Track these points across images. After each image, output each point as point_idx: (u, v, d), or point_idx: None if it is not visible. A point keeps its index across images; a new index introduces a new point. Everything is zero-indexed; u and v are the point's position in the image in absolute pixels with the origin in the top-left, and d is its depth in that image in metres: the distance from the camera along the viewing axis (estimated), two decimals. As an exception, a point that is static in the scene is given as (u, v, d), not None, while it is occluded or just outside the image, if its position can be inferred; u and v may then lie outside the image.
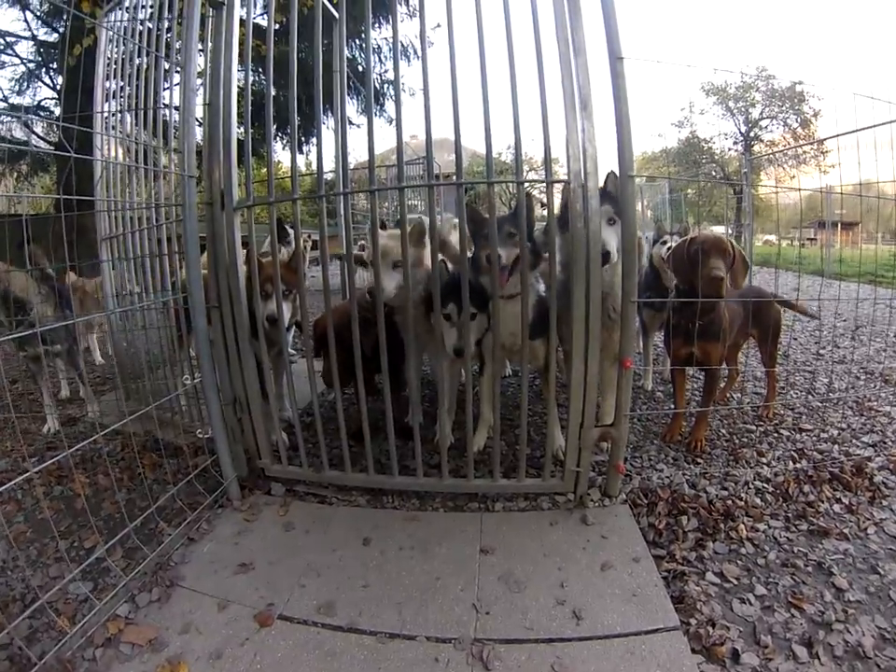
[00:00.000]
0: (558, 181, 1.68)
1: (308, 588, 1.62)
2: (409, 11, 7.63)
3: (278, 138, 8.05)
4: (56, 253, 2.41)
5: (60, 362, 2.92)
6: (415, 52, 8.05)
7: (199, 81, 2.04)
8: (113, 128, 2.62)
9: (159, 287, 2.35)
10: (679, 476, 2.08)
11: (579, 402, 1.81)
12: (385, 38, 8.54)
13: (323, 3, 2.09)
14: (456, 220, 2.04)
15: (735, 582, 1.57)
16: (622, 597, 1.53)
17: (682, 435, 2.41)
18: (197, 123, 2.01)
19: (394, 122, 1.77)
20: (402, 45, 8.08)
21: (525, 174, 1.73)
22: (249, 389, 1.97)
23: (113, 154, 2.62)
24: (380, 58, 8.51)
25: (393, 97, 8.41)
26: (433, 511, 1.96)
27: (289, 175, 1.91)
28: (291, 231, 2.67)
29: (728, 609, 1.48)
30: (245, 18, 1.85)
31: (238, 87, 1.90)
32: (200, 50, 1.96)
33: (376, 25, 7.74)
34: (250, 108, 1.90)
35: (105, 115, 2.61)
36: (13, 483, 1.54)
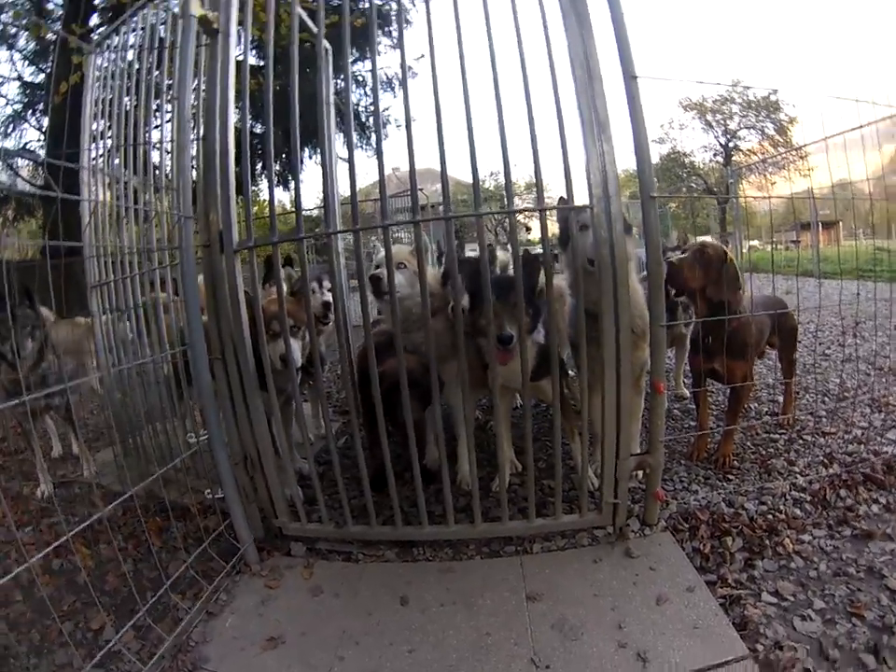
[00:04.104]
0: (581, 207, 1.66)
1: (348, 661, 1.52)
2: (392, 43, 7.70)
3: (263, 176, 8.03)
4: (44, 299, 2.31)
5: (49, 418, 2.75)
6: (398, 84, 8.06)
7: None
8: (100, 170, 2.51)
9: (154, 339, 2.22)
10: (715, 496, 2.06)
11: (613, 433, 1.77)
12: (371, 71, 8.55)
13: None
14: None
15: (793, 599, 1.57)
16: (684, 632, 1.49)
17: (708, 452, 2.40)
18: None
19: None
20: (387, 77, 8.11)
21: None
22: (261, 444, 1.86)
23: (101, 196, 2.49)
24: (365, 91, 8.60)
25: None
26: (469, 560, 1.88)
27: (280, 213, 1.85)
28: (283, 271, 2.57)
29: (791, 628, 1.46)
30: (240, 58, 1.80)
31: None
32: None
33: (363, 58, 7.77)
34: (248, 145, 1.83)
35: (93, 154, 2.50)
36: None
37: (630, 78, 1.68)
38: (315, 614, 1.70)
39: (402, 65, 1.77)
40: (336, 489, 1.92)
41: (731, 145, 22.68)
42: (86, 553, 1.97)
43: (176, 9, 2.29)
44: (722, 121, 22.69)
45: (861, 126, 2.33)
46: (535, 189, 1.75)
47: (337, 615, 1.69)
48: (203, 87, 1.90)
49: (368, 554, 1.94)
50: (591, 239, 1.71)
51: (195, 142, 1.84)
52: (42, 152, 7.72)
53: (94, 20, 6.37)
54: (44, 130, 7.49)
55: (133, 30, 2.39)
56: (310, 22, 1.88)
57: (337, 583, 1.81)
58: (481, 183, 1.74)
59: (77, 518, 2.22)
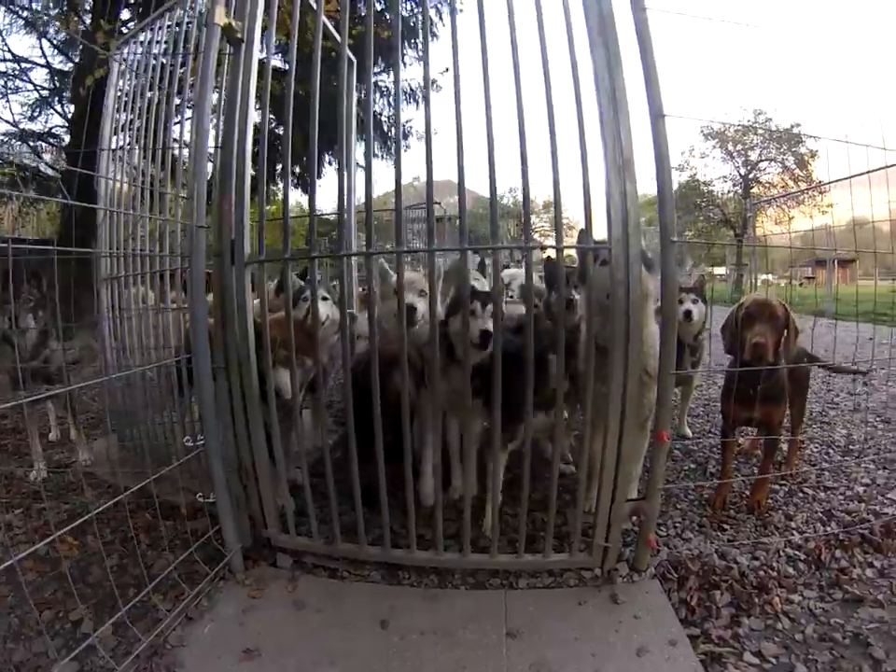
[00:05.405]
0: (599, 247, 1.63)
1: (323, 680, 1.51)
2: (417, 55, 7.73)
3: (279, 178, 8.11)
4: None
5: (50, 403, 2.79)
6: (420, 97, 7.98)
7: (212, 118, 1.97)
8: (120, 159, 2.52)
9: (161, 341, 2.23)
10: (708, 546, 2.03)
11: (611, 475, 1.74)
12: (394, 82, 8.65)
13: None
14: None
15: (774, 662, 1.53)
16: (661, 686, 1.46)
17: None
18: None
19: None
20: (410, 88, 8.04)
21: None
22: (256, 455, 1.86)
23: (118, 187, 2.50)
24: (388, 101, 8.63)
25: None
26: (453, 589, 1.87)
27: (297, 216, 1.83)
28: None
29: (769, 693, 1.43)
30: (263, 59, 1.77)
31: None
32: (214, 87, 1.87)
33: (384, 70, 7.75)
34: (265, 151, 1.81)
35: (113, 150, 2.51)
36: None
37: (657, 117, 1.63)
38: (296, 629, 1.70)
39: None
40: (327, 503, 1.91)
41: (751, 176, 22.54)
42: (73, 544, 1.98)
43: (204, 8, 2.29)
44: (743, 152, 22.59)
45: (869, 172, 2.31)
46: (553, 209, 1.72)
47: (317, 632, 1.68)
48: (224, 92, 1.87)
49: (353, 573, 1.93)
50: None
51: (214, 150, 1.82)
52: (67, 138, 7.88)
53: (125, 14, 6.44)
54: (69, 117, 7.60)
55: (160, 28, 2.38)
56: (335, 33, 1.87)
57: (320, 600, 1.81)
58: (499, 199, 1.71)
59: (67, 506, 2.23)
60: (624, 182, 1.62)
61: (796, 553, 2.00)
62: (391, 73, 8.09)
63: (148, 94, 2.38)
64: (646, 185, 1.72)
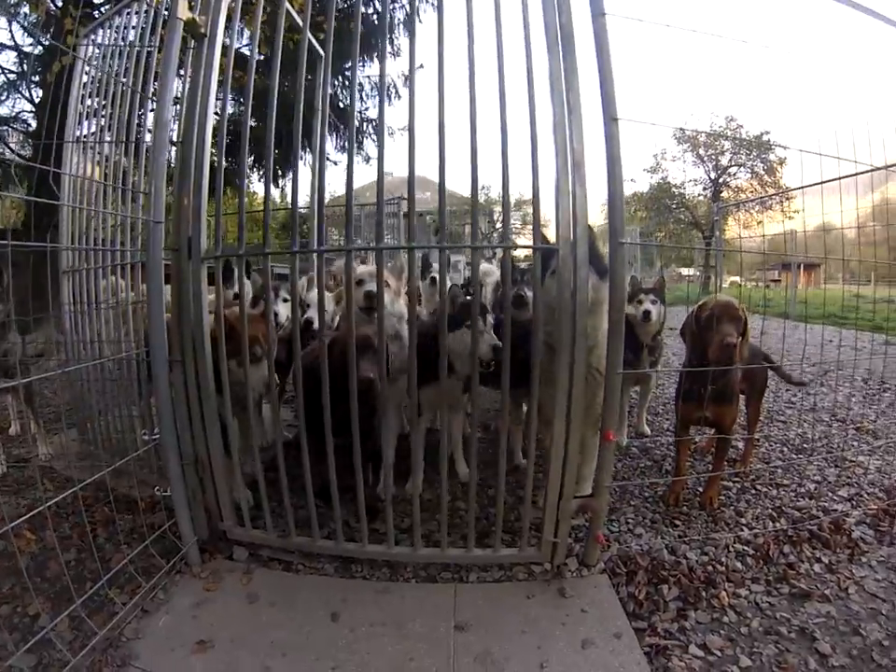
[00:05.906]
0: (547, 248, 1.64)
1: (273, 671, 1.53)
2: (392, 50, 7.64)
3: (253, 170, 8.02)
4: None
5: (10, 397, 2.75)
6: (397, 92, 7.68)
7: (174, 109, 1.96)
8: (90, 147, 2.50)
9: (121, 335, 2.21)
10: (658, 542, 2.06)
11: (558, 473, 1.77)
12: (368, 76, 8.58)
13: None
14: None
15: (720, 655, 1.56)
16: (603, 678, 1.48)
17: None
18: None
19: (371, 161, 1.74)
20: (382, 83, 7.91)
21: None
22: (212, 448, 1.86)
23: (85, 172, 2.47)
24: (361, 96, 8.53)
25: (372, 135, 8.56)
26: (404, 582, 1.88)
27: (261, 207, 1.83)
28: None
29: (713, 685, 1.45)
30: (227, 45, 1.77)
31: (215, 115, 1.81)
32: (179, 75, 1.85)
33: (360, 64, 7.71)
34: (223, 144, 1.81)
35: (77, 139, 2.49)
36: None
37: (610, 120, 1.64)
38: (249, 621, 1.71)
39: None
40: (282, 496, 1.92)
41: (720, 180, 22.90)
42: (31, 539, 1.97)
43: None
44: (714, 157, 22.92)
45: (826, 181, 2.35)
46: (522, 207, 1.74)
47: (269, 624, 1.70)
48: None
49: (308, 566, 1.95)
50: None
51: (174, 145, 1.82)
52: (34, 123, 7.67)
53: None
54: (37, 103, 7.41)
55: (129, 13, 2.36)
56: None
57: (274, 592, 1.82)
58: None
59: (26, 501, 2.22)
60: (574, 184, 1.63)
61: (745, 548, 2.03)
62: (364, 68, 8.12)
63: (112, 84, 2.36)
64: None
